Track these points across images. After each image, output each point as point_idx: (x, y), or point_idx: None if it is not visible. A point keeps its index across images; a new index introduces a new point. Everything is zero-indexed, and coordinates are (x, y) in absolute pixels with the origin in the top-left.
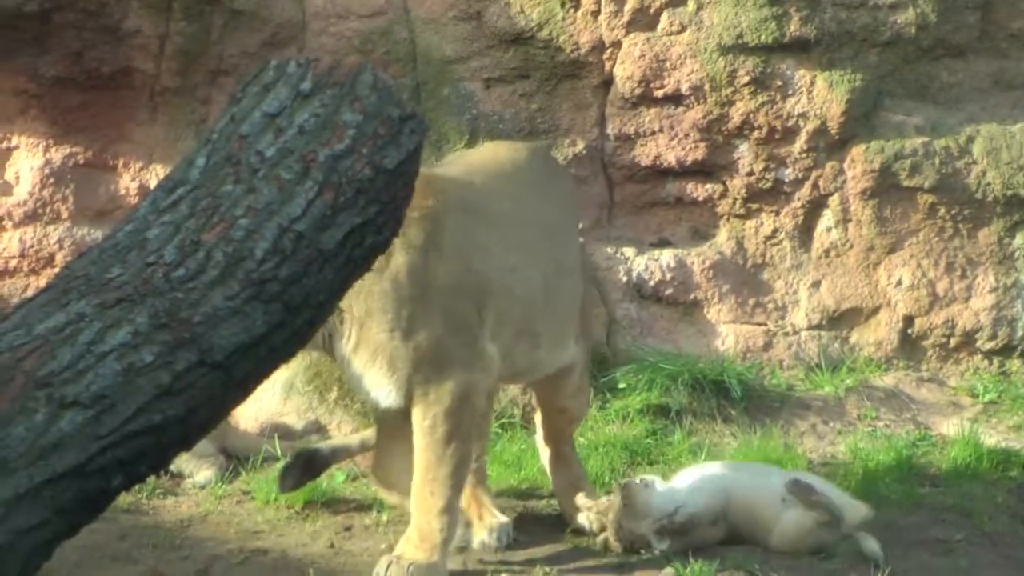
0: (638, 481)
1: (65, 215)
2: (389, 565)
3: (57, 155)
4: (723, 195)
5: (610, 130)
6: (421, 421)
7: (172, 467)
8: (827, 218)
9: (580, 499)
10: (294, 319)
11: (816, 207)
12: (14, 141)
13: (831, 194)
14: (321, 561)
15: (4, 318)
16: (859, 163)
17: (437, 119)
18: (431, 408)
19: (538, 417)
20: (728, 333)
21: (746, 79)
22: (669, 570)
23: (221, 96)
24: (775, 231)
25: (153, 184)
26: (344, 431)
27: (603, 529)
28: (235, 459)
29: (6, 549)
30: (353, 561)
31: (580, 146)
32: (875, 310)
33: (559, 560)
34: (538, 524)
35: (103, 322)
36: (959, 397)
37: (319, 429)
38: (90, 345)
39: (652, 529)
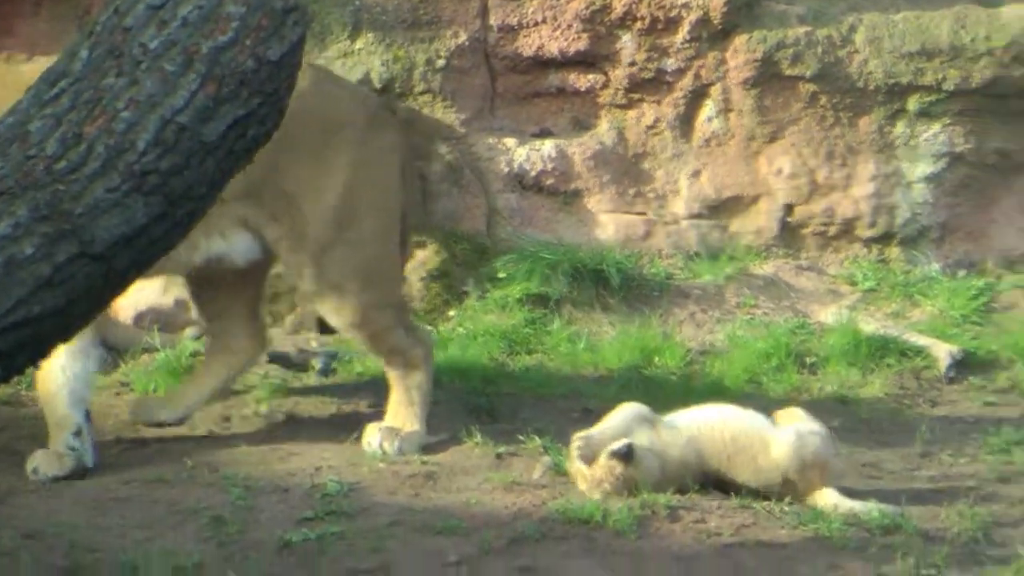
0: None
1: None
2: None
3: None
4: (605, 85)
5: (492, 21)
6: None
7: None
8: (708, 108)
9: None
10: (175, 211)
11: (697, 97)
12: None
13: (712, 84)
14: (199, 451)
15: None
16: (741, 53)
17: (320, 11)
18: None
19: None
20: (608, 222)
21: None
22: (547, 458)
23: None
24: (656, 121)
25: None
26: None
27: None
28: (114, 351)
29: None
30: (230, 451)
31: (463, 37)
32: (755, 199)
33: (435, 449)
34: None
35: None
36: (838, 285)
37: (199, 321)
38: None
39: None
